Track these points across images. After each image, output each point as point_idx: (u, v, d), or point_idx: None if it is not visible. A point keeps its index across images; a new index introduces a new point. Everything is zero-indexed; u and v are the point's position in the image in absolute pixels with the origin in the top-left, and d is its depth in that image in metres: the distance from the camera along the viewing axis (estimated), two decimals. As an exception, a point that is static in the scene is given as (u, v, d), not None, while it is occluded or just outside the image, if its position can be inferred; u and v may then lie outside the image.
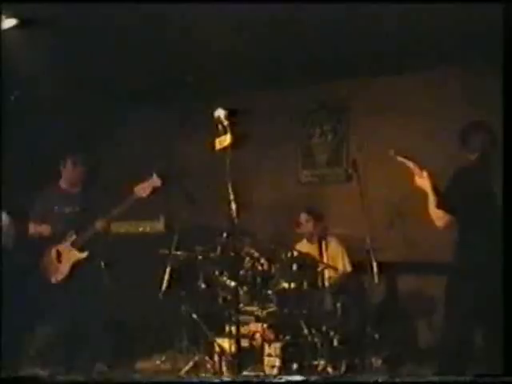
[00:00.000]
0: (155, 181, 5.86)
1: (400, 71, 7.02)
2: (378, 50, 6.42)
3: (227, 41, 6.04)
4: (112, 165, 8.03)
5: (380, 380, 4.11)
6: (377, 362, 5.71)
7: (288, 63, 6.82)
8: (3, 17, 5.20)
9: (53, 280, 6.05)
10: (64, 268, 6.04)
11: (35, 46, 5.73)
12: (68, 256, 6.05)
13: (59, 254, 6.09)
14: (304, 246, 6.63)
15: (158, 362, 6.30)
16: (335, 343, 5.71)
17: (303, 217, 6.71)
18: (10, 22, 5.28)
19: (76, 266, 6.03)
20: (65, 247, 6.07)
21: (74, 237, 6.05)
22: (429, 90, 7.07)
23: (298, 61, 6.77)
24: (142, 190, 5.86)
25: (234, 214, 4.11)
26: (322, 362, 5.55)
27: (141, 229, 7.17)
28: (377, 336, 5.65)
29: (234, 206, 4.12)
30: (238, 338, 4.32)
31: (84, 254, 6.01)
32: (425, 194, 6.59)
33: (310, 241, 6.70)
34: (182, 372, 5.81)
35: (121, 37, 5.94)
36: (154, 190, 5.86)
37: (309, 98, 7.78)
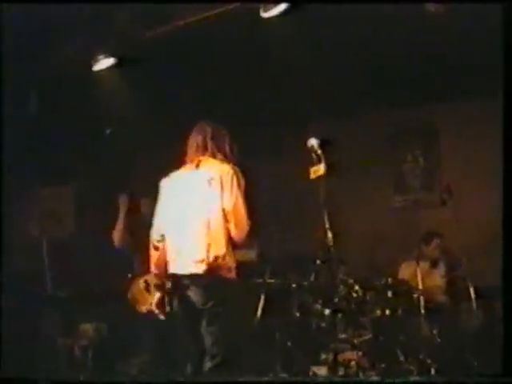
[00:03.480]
0: None
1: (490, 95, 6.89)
2: (467, 72, 6.36)
3: (316, 69, 6.10)
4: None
5: None
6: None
7: (376, 88, 6.83)
8: (101, 56, 5.44)
9: (143, 310, 6.01)
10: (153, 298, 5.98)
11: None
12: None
13: (148, 285, 6.04)
14: (426, 269, 6.57)
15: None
16: (432, 371, 5.61)
17: (436, 241, 6.68)
18: (107, 62, 5.50)
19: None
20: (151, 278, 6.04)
21: None
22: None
23: (386, 86, 6.78)
24: None
25: (331, 243, 4.14)
26: (419, 391, 5.47)
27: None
28: (476, 364, 5.53)
29: (329, 234, 4.15)
30: (335, 366, 4.34)
31: None
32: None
33: (433, 264, 6.63)
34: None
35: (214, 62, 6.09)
36: None
37: (397, 122, 7.74)
